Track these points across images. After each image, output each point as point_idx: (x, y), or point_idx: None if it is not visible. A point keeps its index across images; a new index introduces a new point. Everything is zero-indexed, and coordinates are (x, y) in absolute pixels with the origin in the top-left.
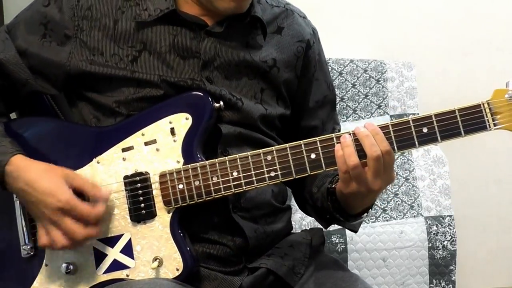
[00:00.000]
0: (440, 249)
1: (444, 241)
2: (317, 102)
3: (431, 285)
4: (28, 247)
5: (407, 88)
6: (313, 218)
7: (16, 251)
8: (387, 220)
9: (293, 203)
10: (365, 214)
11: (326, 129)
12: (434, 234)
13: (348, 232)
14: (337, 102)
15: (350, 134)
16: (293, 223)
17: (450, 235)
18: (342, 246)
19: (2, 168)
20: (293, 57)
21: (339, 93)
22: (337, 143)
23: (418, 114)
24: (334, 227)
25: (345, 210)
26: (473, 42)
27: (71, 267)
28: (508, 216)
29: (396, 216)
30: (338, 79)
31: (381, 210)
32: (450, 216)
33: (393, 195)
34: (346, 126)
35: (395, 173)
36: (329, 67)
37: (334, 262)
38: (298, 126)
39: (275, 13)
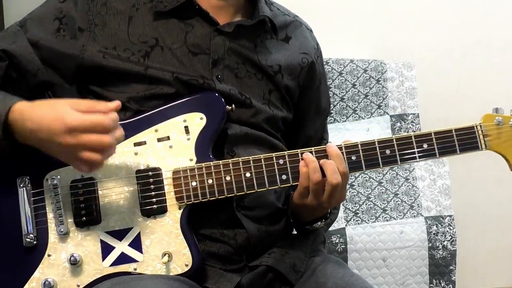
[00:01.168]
0: (440, 249)
1: (444, 241)
2: (317, 112)
3: (431, 285)
4: (31, 235)
5: (407, 88)
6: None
7: (17, 239)
8: (387, 220)
9: None
10: (318, 223)
11: (317, 136)
12: (434, 234)
13: (348, 232)
14: (337, 102)
15: (312, 152)
16: None
17: (450, 235)
18: (342, 246)
19: (5, 117)
20: (298, 67)
21: (339, 93)
22: (346, 152)
23: (418, 114)
24: (333, 227)
25: (296, 217)
26: (473, 42)
27: (77, 258)
28: (508, 216)
29: (396, 216)
30: (338, 79)
31: (381, 210)
32: (450, 216)
33: (393, 195)
34: (347, 126)
35: (394, 173)
36: (329, 67)
37: (335, 262)
38: (298, 134)
39: (286, 21)
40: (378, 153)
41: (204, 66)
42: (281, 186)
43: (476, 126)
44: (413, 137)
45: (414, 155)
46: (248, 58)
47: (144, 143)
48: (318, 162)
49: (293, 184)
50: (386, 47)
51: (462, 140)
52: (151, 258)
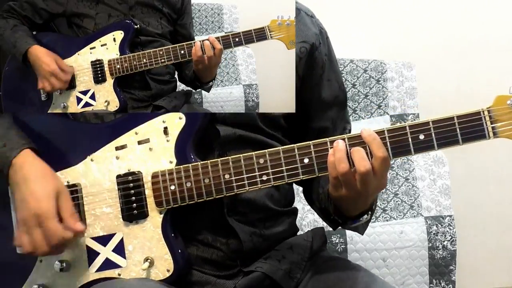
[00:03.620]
0: (440, 249)
1: (444, 241)
2: (328, 103)
3: (431, 285)
4: None
5: (407, 88)
6: (313, 218)
7: (11, 247)
8: (387, 220)
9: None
10: (365, 217)
11: (336, 128)
12: (434, 234)
13: (348, 232)
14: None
15: (344, 139)
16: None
17: (450, 235)
18: (342, 246)
19: (9, 161)
20: (296, 57)
21: None
22: (330, 147)
23: (418, 114)
24: None
25: (341, 212)
26: (473, 42)
27: (64, 264)
28: (508, 216)
29: (396, 216)
30: None
31: (381, 210)
32: (450, 216)
33: (393, 195)
34: None
35: (394, 173)
36: None
37: (337, 264)
38: (307, 127)
39: None
40: (368, 148)
41: None
42: (262, 187)
43: (483, 111)
44: (407, 128)
45: (408, 148)
46: None
47: (125, 146)
48: (349, 150)
49: (274, 184)
50: (386, 47)
51: (466, 128)
52: (133, 263)
